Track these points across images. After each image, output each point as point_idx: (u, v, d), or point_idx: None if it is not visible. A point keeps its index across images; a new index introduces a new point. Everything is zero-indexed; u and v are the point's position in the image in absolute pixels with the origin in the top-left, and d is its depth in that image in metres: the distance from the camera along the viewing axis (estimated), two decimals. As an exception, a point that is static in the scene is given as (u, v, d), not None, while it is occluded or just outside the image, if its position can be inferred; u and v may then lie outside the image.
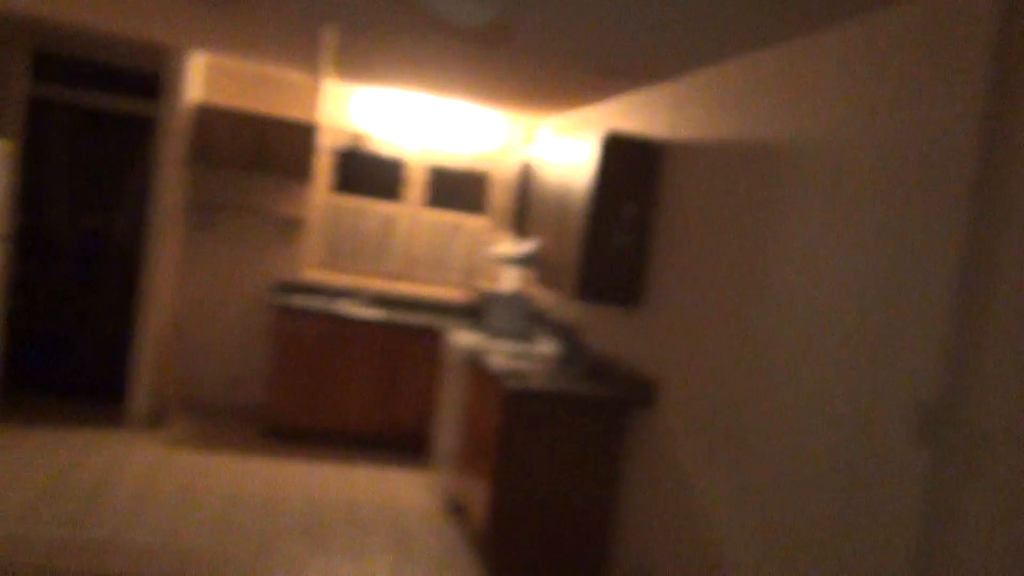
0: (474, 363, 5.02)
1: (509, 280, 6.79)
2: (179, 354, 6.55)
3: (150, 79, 6.30)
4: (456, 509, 5.15)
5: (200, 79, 6.40)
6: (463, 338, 5.59)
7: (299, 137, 6.44)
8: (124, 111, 6.55)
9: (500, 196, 6.73)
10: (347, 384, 6.19)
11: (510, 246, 5.94)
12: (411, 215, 6.99)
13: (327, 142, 6.76)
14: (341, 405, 6.19)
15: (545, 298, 6.06)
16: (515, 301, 6.12)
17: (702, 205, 4.01)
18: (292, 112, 6.61)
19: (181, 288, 6.56)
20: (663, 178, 4.48)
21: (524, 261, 5.49)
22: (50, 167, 6.51)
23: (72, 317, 6.63)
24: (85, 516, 4.32)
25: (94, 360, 6.59)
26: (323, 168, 6.79)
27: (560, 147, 5.25)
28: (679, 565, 3.79)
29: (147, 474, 5.06)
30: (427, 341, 6.23)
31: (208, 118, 6.26)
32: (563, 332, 5.36)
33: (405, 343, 6.25)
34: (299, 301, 6.35)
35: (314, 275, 6.83)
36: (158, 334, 6.03)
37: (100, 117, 6.58)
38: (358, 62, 5.46)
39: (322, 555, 4.29)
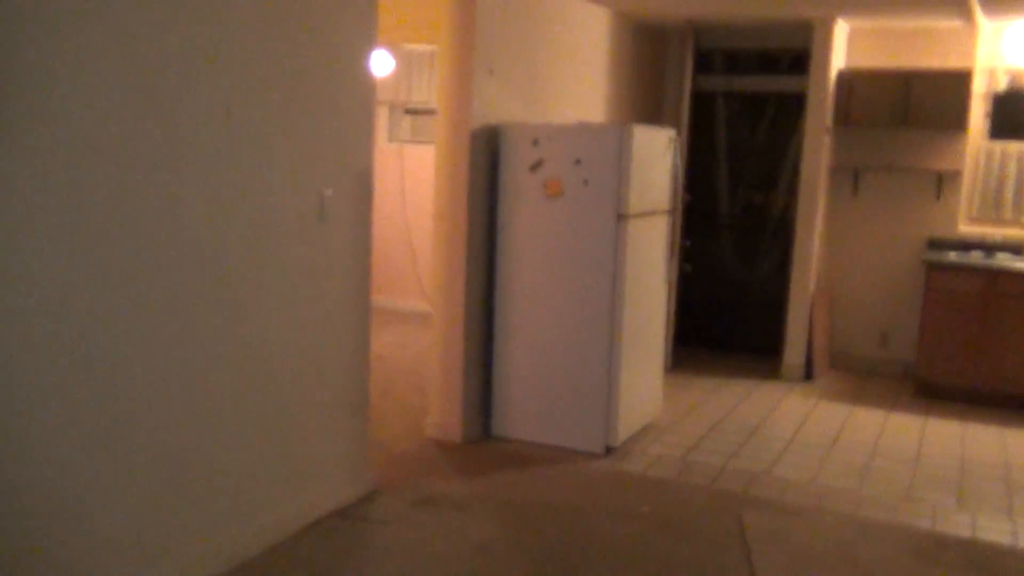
0: None
1: None
2: (830, 312, 6.83)
3: (803, 57, 6.61)
4: None
5: (844, 47, 6.56)
6: None
7: (949, 86, 6.19)
8: (779, 91, 7.03)
9: None
10: (1008, 342, 5.75)
11: None
12: (1087, 155, 6.14)
13: (981, 86, 6.32)
14: (1000, 364, 5.79)
15: None
16: None
17: None
18: (941, 61, 6.34)
19: (830, 250, 6.82)
20: None
21: None
22: (716, 150, 7.34)
23: (734, 282, 7.38)
24: (740, 449, 4.89)
25: (754, 319, 7.24)
26: (977, 115, 6.37)
27: None
28: None
29: (796, 420, 5.46)
30: (1108, 296, 5.45)
31: (850, 81, 6.41)
32: None
33: (1078, 298, 5.57)
34: (952, 257, 6.10)
35: (969, 229, 6.45)
36: (808, 295, 6.38)
37: (759, 100, 7.18)
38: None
39: (969, 511, 4.15)
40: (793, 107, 6.85)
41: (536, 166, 4.70)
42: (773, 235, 7.21)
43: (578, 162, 4.60)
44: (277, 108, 3.37)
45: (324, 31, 3.57)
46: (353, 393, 3.95)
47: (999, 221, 6.40)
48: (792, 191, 6.79)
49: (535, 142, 4.69)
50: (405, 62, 7.94)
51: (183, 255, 3.03)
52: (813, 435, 5.18)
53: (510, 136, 4.75)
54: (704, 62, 7.16)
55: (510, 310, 4.83)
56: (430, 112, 8.08)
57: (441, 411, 4.85)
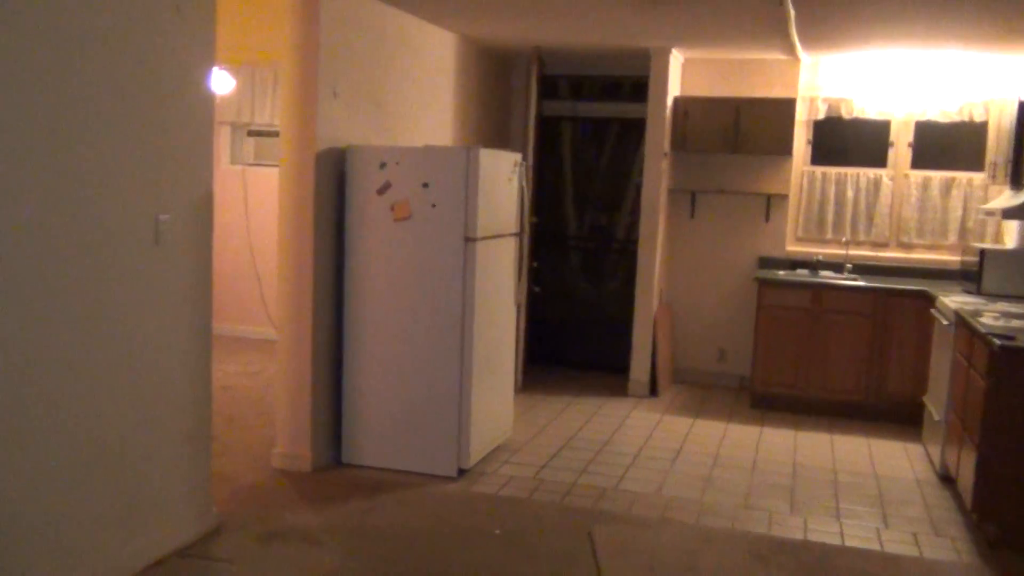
0: (963, 325, 4.69)
1: (1011, 237, 6.10)
2: (672, 330, 7.10)
3: (643, 84, 6.83)
4: (947, 479, 4.84)
5: (679, 76, 6.87)
6: (954, 301, 5.21)
7: (775, 114, 6.58)
8: (621, 116, 7.30)
9: (997, 147, 6.08)
10: (832, 354, 6.15)
11: (1005, 199, 5.37)
12: (896, 178, 6.67)
13: (803, 115, 6.77)
14: (827, 375, 6.18)
15: (1057, 254, 5.36)
16: (1017, 259, 5.51)
17: None
18: (767, 91, 6.74)
19: (671, 269, 7.11)
20: None
21: (1021, 213, 4.95)
22: (562, 174, 7.52)
23: (583, 302, 7.57)
24: (590, 465, 5.00)
25: (602, 338, 7.44)
26: (800, 141, 6.81)
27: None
28: None
29: (642, 435, 5.63)
30: (917, 308, 5.91)
31: (685, 108, 6.71)
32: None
33: (893, 310, 6.02)
34: (781, 275, 6.48)
35: (796, 248, 6.88)
36: (651, 313, 6.61)
37: (603, 125, 7.42)
38: (827, 30, 5.43)
39: (801, 514, 4.39)
40: (635, 132, 7.11)
41: (383, 189, 4.67)
42: (619, 255, 7.45)
43: (426, 185, 4.60)
44: (107, 128, 3.21)
45: (158, 48, 3.43)
46: (194, 425, 3.78)
47: (822, 241, 6.86)
48: (636, 213, 7.04)
49: (382, 165, 4.66)
50: (247, 82, 7.74)
51: (3, 281, 2.82)
52: (658, 448, 5.36)
53: (356, 159, 4.70)
54: (550, 87, 7.35)
55: (360, 335, 4.76)
56: (274, 134, 7.90)
57: (289, 440, 4.71)
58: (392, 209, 4.66)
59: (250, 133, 8.13)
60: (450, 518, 4.19)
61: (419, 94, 5.64)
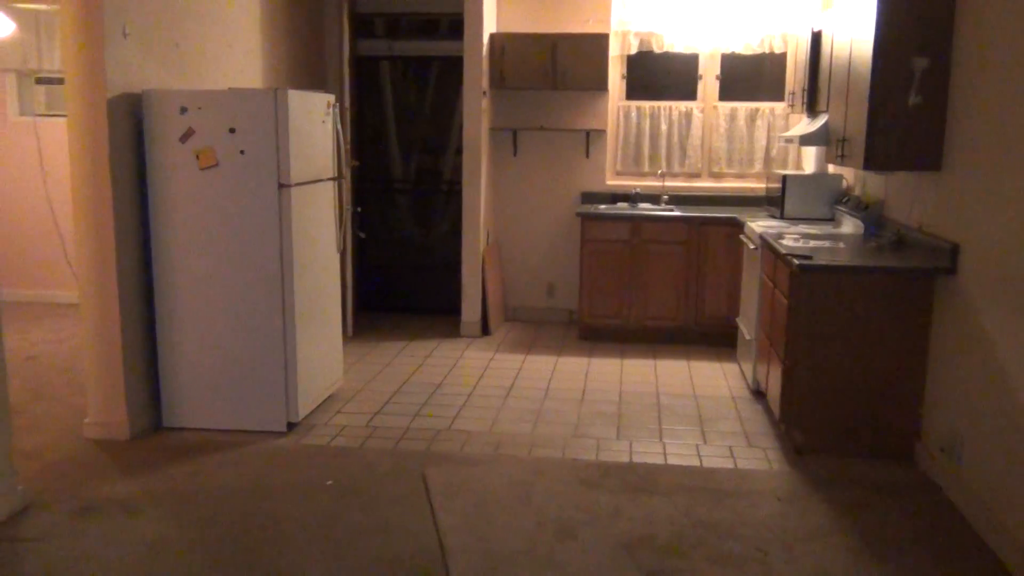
0: (767, 247, 4.95)
1: (809, 163, 6.49)
2: (501, 268, 7.16)
3: (461, 21, 6.70)
4: (758, 394, 5.16)
5: (494, 11, 6.80)
6: (760, 225, 5.50)
7: (590, 49, 6.64)
8: (440, 55, 7.16)
9: (795, 77, 6.41)
10: (653, 283, 6.39)
11: (802, 126, 5.68)
12: (706, 110, 6.91)
13: (617, 49, 6.87)
14: (649, 303, 6.42)
15: (848, 177, 5.74)
16: (814, 183, 5.86)
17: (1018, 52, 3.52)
18: (581, 27, 6.78)
19: (497, 208, 7.13)
20: (962, 25, 4.03)
21: (815, 139, 5.24)
22: (384, 116, 7.33)
23: (413, 246, 7.49)
24: (423, 408, 5.00)
25: (434, 281, 7.41)
26: (615, 76, 6.92)
27: (845, 8, 4.91)
28: (989, 433, 3.53)
29: (475, 374, 5.68)
30: (728, 234, 6.20)
31: (502, 45, 6.67)
32: (865, 208, 5.07)
33: (707, 238, 6.29)
34: (602, 208, 6.62)
35: (616, 182, 7.05)
36: (479, 253, 6.62)
37: (423, 64, 7.25)
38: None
39: (627, 438, 4.56)
40: (456, 71, 7.00)
41: (186, 136, 4.40)
42: (447, 197, 7.39)
43: (232, 131, 4.37)
44: None
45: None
46: (-14, 401, 3.49)
47: (640, 174, 7.05)
48: (461, 153, 6.97)
49: (183, 110, 4.38)
50: (29, 23, 7.07)
51: None
52: (491, 387, 5.42)
53: (154, 104, 4.40)
54: (365, 26, 7.12)
55: (172, 292, 4.52)
56: (67, 81, 7.31)
57: (102, 408, 4.44)
58: (197, 157, 4.40)
59: (39, 81, 7.47)
60: (279, 473, 4.08)
61: (222, 33, 5.32)
